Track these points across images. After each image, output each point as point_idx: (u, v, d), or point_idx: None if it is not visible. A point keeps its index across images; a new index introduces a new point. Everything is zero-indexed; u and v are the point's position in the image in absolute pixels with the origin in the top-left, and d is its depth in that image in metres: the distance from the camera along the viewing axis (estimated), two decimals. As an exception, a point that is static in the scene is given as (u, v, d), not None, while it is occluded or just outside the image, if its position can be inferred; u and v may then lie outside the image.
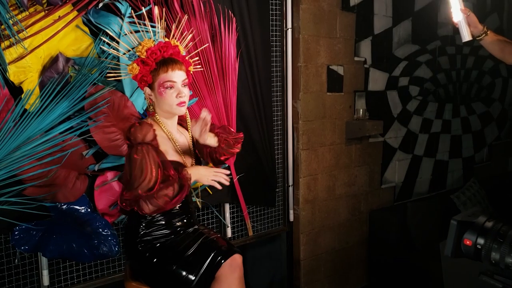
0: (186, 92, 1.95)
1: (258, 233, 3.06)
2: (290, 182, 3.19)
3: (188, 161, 2.05)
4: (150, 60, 1.92)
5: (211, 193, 2.63)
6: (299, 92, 3.13)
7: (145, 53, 1.93)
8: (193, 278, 1.87)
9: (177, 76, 1.92)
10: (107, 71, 2.14)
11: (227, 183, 1.99)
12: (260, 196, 3.00)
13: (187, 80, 1.97)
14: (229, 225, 2.86)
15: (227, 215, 2.86)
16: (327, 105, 3.31)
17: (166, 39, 2.03)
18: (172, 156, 1.96)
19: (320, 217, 3.39)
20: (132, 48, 2.04)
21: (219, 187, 1.98)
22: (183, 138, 2.08)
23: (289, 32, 3.03)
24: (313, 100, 3.22)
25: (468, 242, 1.11)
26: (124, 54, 2.09)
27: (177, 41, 2.05)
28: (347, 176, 3.53)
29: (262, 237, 3.09)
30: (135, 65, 1.94)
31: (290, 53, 3.05)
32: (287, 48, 3.04)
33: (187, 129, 2.14)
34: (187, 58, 2.06)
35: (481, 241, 1.10)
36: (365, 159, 3.64)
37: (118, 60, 2.15)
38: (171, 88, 1.91)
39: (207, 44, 2.49)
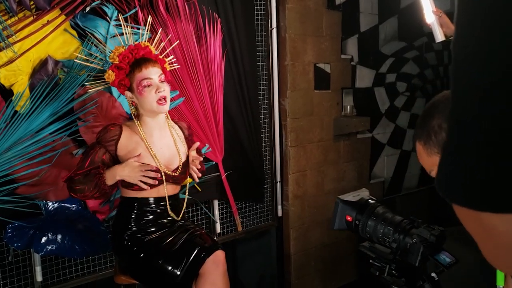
0: (166, 87, 2.00)
1: (247, 228, 3.13)
2: (278, 179, 3.26)
3: (172, 163, 2.09)
4: (123, 64, 1.98)
5: (200, 190, 2.70)
6: (287, 90, 3.20)
7: (117, 58, 1.99)
8: (178, 273, 1.95)
9: (153, 73, 1.98)
10: (87, 84, 2.20)
11: (155, 182, 1.98)
12: (249, 192, 3.07)
13: (163, 76, 2.02)
14: (218, 221, 2.93)
15: (216, 211, 2.93)
16: (314, 103, 3.38)
17: (136, 42, 2.09)
18: (143, 158, 2.01)
19: (310, 212, 3.46)
20: (105, 57, 2.10)
21: (145, 187, 1.97)
22: (168, 139, 2.12)
23: (274, 31, 3.09)
24: (300, 98, 3.29)
25: (349, 218, 1.34)
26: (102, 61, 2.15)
27: (146, 42, 2.11)
28: (335, 172, 3.60)
29: (251, 232, 3.16)
30: (110, 71, 1.99)
31: (276, 52, 3.12)
32: (273, 47, 3.11)
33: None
34: (161, 57, 2.13)
35: (359, 217, 1.32)
36: (353, 155, 3.71)
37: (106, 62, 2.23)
38: (149, 86, 1.97)
39: (178, 41, 2.50)
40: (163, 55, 2.23)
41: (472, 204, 0.63)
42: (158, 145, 2.06)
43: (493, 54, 0.56)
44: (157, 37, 2.27)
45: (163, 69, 2.06)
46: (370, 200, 1.36)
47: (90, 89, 2.18)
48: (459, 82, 0.61)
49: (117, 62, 1.99)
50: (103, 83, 2.18)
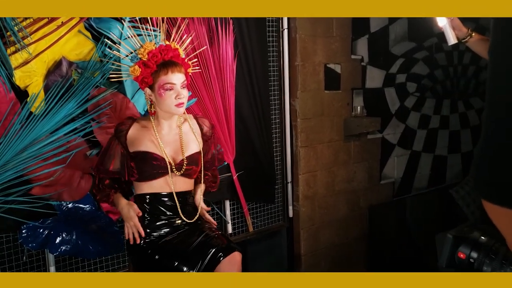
0: (185, 93, 2.02)
1: (258, 229, 3.14)
2: (289, 179, 3.26)
3: (177, 156, 2.09)
4: (151, 63, 1.99)
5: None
6: (297, 90, 3.20)
7: (146, 55, 2.00)
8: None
9: (177, 78, 1.99)
10: (109, 73, 2.22)
11: (137, 241, 2.03)
12: (260, 193, 3.08)
13: (185, 82, 2.04)
14: (230, 221, 2.94)
15: (228, 211, 2.94)
16: (325, 103, 3.38)
17: (167, 42, 2.10)
18: (151, 148, 2.04)
19: (320, 213, 3.46)
20: (134, 51, 2.10)
21: (126, 235, 2.05)
22: (176, 136, 2.12)
23: (285, 32, 3.10)
24: (311, 98, 3.29)
25: (462, 255, 1.22)
26: (127, 56, 2.16)
27: (177, 45, 2.12)
28: (346, 172, 3.60)
29: (262, 233, 3.17)
30: (136, 67, 2.01)
31: (287, 52, 3.13)
32: (284, 48, 3.11)
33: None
34: (186, 60, 2.14)
35: (474, 255, 1.20)
36: (363, 156, 3.71)
37: (120, 63, 2.23)
38: (170, 90, 1.98)
39: (205, 47, 2.56)
40: (188, 58, 2.23)
41: (502, 202, 0.64)
42: (166, 138, 2.08)
43: None
44: (188, 41, 2.26)
45: (186, 74, 2.07)
46: (485, 236, 1.24)
47: (113, 78, 2.20)
48: (493, 87, 0.62)
49: (146, 59, 2.00)
50: (126, 76, 2.18)
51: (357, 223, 3.74)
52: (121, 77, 2.20)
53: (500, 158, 0.62)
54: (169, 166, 2.04)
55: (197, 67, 2.43)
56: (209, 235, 2.05)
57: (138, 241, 2.03)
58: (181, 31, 2.24)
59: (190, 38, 2.33)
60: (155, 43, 2.08)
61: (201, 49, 2.50)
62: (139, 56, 2.03)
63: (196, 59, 2.39)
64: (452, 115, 4.40)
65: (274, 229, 3.27)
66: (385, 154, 3.88)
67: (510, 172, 0.61)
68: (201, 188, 2.22)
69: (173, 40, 2.16)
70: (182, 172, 2.08)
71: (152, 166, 2.03)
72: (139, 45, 2.09)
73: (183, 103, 2.01)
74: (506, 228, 0.66)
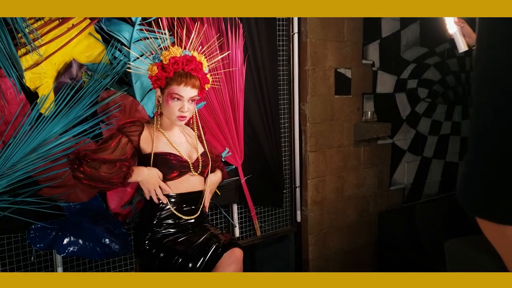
0: (191, 107, 2.04)
1: (266, 233, 3.12)
2: (297, 184, 3.25)
3: (192, 156, 2.12)
4: (169, 68, 2.00)
5: (219, 193, 2.70)
6: (307, 95, 3.19)
7: (168, 60, 2.01)
8: (198, 269, 1.95)
9: (187, 92, 2.00)
10: (128, 64, 2.24)
11: (161, 203, 2.05)
12: (268, 197, 3.06)
13: (196, 97, 2.05)
14: (237, 225, 2.93)
15: (235, 215, 2.93)
16: (335, 108, 3.37)
17: (195, 53, 2.09)
18: (165, 148, 2.06)
19: (329, 218, 3.44)
20: (160, 49, 2.11)
21: (148, 196, 2.03)
22: (183, 138, 2.16)
23: (296, 36, 3.09)
24: (321, 103, 3.28)
25: None
26: (151, 55, 2.15)
27: (204, 58, 2.12)
28: (355, 177, 3.58)
29: (270, 237, 3.15)
30: (155, 67, 2.03)
31: (297, 57, 3.12)
32: (294, 52, 3.10)
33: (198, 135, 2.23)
34: (208, 75, 2.14)
35: None
36: (373, 161, 3.68)
37: (129, 68, 2.24)
38: (177, 100, 2.00)
39: (235, 68, 2.61)
40: (211, 73, 2.25)
41: (492, 217, 0.61)
42: (177, 140, 2.11)
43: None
44: (218, 57, 2.29)
45: (201, 89, 2.08)
46: None
47: (130, 69, 2.22)
48: (480, 96, 0.61)
49: (166, 63, 2.01)
50: (143, 71, 2.19)
51: (366, 229, 3.71)
52: (139, 70, 2.22)
53: (491, 171, 0.60)
54: (191, 166, 2.08)
55: (217, 83, 2.43)
56: (213, 233, 2.06)
57: (165, 201, 2.05)
58: (214, 46, 2.25)
59: (223, 55, 2.35)
60: (182, 51, 2.06)
61: (231, 69, 2.51)
62: (161, 57, 2.04)
63: (219, 76, 2.41)
64: (464, 122, 4.36)
65: (282, 234, 3.25)
66: (395, 160, 3.85)
67: (501, 186, 0.59)
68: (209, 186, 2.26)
69: (201, 53, 2.16)
70: (199, 171, 2.11)
71: (173, 166, 2.05)
72: (155, 48, 2.08)
73: (184, 117, 2.03)
74: (500, 245, 0.64)
